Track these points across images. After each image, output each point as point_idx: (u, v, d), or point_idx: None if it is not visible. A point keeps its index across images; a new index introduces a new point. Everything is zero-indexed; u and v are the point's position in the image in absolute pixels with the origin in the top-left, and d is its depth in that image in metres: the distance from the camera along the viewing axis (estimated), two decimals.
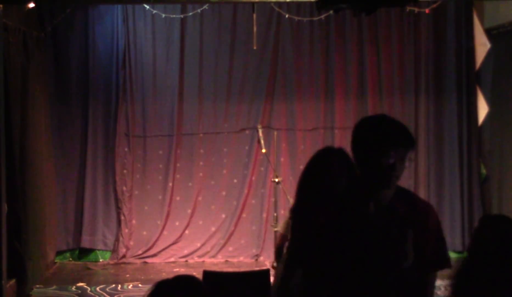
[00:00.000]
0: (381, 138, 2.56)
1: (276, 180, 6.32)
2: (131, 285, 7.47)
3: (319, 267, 2.62)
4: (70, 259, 8.71)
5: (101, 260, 8.66)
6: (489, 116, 8.51)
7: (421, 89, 8.88)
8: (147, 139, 8.79)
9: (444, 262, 2.67)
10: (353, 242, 2.55)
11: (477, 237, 3.15)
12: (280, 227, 5.33)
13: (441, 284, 7.84)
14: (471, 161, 8.84)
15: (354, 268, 2.55)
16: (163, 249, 8.70)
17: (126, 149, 8.75)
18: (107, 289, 7.31)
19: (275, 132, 8.61)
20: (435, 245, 2.63)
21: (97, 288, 7.33)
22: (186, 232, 8.78)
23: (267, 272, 5.15)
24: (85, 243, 8.67)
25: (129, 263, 8.55)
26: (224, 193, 8.80)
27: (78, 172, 8.68)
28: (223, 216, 8.78)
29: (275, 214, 7.37)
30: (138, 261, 8.62)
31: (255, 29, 7.94)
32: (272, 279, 5.05)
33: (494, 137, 8.70)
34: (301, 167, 8.95)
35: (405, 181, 8.73)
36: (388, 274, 2.55)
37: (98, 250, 8.73)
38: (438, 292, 7.18)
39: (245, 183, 8.79)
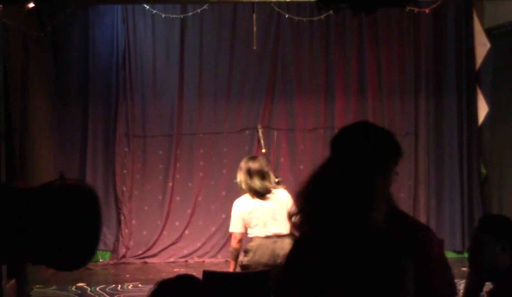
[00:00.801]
0: (364, 151, 2.22)
1: (276, 180, 6.31)
2: (131, 285, 7.47)
3: None
4: None
5: (101, 260, 8.65)
6: (489, 116, 8.51)
7: (421, 89, 8.88)
8: (147, 139, 8.79)
9: (452, 294, 2.34)
10: (340, 275, 2.16)
11: (477, 237, 3.16)
12: (235, 227, 5.48)
13: None
14: (471, 160, 8.83)
15: None
16: (163, 249, 8.70)
17: (126, 149, 8.75)
18: (107, 289, 7.30)
19: (275, 132, 8.62)
20: (440, 275, 2.27)
21: (97, 288, 7.33)
22: (186, 232, 8.78)
23: (267, 272, 5.14)
24: None
25: (129, 263, 8.55)
26: (224, 193, 8.80)
27: (78, 172, 8.67)
28: (223, 216, 8.77)
29: None
30: (138, 261, 8.62)
31: (255, 29, 7.94)
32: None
33: (494, 137, 8.70)
34: (301, 167, 9.09)
35: (405, 181, 8.74)
36: None
37: (98, 250, 8.71)
38: None
39: None
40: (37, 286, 7.31)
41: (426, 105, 8.89)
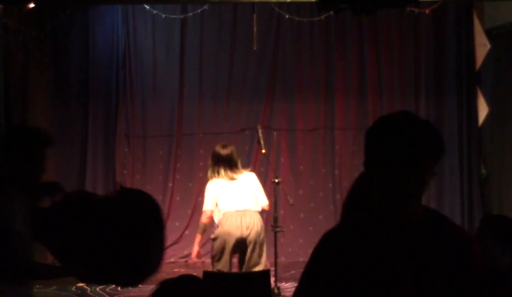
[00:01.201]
0: (399, 147, 1.98)
1: (276, 180, 6.33)
2: None
3: None
4: None
5: None
6: (489, 116, 8.51)
7: (421, 89, 8.88)
8: (147, 139, 8.79)
9: None
10: (363, 282, 1.99)
11: (478, 237, 3.15)
12: (208, 205, 5.93)
13: None
14: (471, 161, 8.83)
15: None
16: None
17: (126, 149, 8.75)
18: (107, 289, 7.30)
19: (275, 133, 8.61)
20: (483, 288, 2.05)
21: (97, 288, 7.32)
22: (186, 232, 8.77)
23: (267, 272, 5.15)
24: None
25: None
26: None
27: (78, 172, 8.67)
28: None
29: (275, 215, 7.34)
30: None
31: (255, 29, 7.94)
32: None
33: (494, 137, 8.70)
34: (301, 167, 9.06)
35: None
36: None
37: None
38: None
39: None
40: (37, 286, 7.29)
41: (426, 106, 8.88)
